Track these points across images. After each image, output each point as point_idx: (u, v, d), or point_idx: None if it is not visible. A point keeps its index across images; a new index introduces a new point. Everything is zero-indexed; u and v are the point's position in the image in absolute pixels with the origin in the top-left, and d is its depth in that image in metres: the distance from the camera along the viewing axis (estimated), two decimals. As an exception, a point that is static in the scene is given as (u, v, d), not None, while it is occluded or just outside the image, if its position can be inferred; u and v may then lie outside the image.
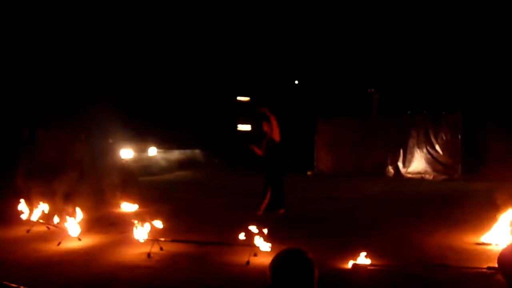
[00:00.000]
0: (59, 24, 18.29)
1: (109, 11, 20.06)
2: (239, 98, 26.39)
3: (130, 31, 21.04)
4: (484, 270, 5.15)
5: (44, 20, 17.81)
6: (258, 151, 8.73)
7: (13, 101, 15.82)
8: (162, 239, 6.53)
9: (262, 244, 6.00)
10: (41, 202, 8.55)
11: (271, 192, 8.48)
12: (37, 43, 17.63)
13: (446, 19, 20.26)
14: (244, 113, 25.59)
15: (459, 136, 14.35)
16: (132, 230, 6.81)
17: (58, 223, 7.52)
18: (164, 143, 18.60)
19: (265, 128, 8.58)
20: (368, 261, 5.46)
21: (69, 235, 6.90)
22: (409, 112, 15.77)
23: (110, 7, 20.07)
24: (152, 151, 17.62)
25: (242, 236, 6.26)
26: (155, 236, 6.50)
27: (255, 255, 5.85)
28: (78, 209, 7.48)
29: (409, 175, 15.02)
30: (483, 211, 7.29)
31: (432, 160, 14.77)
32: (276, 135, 8.51)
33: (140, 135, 17.43)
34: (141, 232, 6.53)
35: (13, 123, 13.21)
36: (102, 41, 19.91)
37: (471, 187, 12.37)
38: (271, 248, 5.95)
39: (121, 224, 8.18)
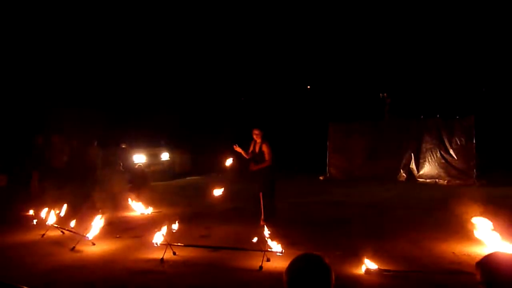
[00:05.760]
0: (72, 33, 18.55)
1: (123, 19, 20.29)
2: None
3: (141, 37, 21.24)
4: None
5: (58, 29, 18.08)
6: (244, 154, 8.53)
7: (27, 107, 16.03)
8: (176, 244, 6.55)
9: (275, 249, 6.00)
10: (55, 207, 8.65)
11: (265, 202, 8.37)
12: (49, 50, 17.88)
13: (459, 23, 20.11)
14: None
15: (474, 141, 14.19)
16: (145, 234, 6.85)
17: (72, 227, 7.59)
18: (177, 148, 18.66)
19: (264, 148, 8.40)
20: (381, 267, 5.43)
21: (83, 239, 6.96)
22: (422, 116, 15.63)
23: (124, 15, 20.30)
24: (165, 155, 17.69)
25: (255, 240, 6.28)
26: (168, 241, 6.52)
27: (267, 260, 5.85)
28: (91, 213, 7.54)
29: (422, 180, 14.87)
30: (499, 218, 7.18)
31: (446, 165, 14.61)
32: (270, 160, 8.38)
33: (153, 139, 17.52)
34: (156, 236, 6.58)
35: (27, 129, 13.38)
36: (114, 47, 20.13)
37: (486, 192, 12.20)
38: (284, 253, 5.95)
39: (134, 229, 8.24)
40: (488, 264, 2.27)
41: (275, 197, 8.58)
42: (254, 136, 8.48)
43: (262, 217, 8.28)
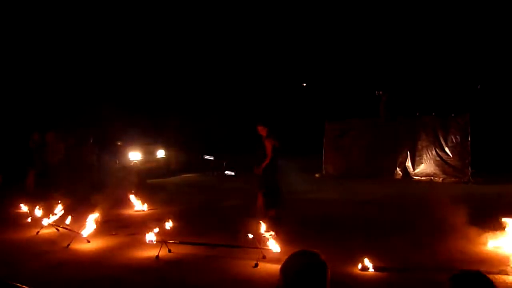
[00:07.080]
0: (71, 33, 18.49)
1: (123, 19, 20.23)
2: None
3: (139, 37, 21.18)
4: (496, 273, 5.10)
5: (56, 29, 18.01)
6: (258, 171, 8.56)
7: (24, 105, 15.96)
8: (171, 241, 6.53)
9: (271, 247, 5.99)
10: (50, 204, 8.61)
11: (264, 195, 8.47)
12: (47, 49, 17.81)
13: (455, 22, 20.15)
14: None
15: (469, 139, 14.21)
16: (141, 232, 6.82)
17: (67, 225, 7.55)
18: (172, 146, 18.61)
19: (268, 143, 8.39)
20: (377, 264, 5.43)
21: (78, 237, 6.92)
22: (417, 114, 15.64)
23: (123, 15, 20.24)
24: (161, 153, 17.64)
25: (250, 236, 6.26)
26: (163, 238, 6.50)
27: (263, 257, 5.84)
28: (86, 211, 7.50)
29: (418, 178, 14.89)
30: (494, 215, 7.20)
31: (442, 163, 14.62)
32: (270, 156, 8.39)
33: (149, 137, 17.46)
34: (151, 234, 6.55)
35: (24, 127, 13.32)
36: (114, 47, 20.07)
37: (481, 190, 12.24)
38: (279, 250, 5.94)
39: (129, 226, 8.20)
40: None
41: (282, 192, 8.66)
42: (260, 132, 8.40)
43: (262, 215, 8.07)
